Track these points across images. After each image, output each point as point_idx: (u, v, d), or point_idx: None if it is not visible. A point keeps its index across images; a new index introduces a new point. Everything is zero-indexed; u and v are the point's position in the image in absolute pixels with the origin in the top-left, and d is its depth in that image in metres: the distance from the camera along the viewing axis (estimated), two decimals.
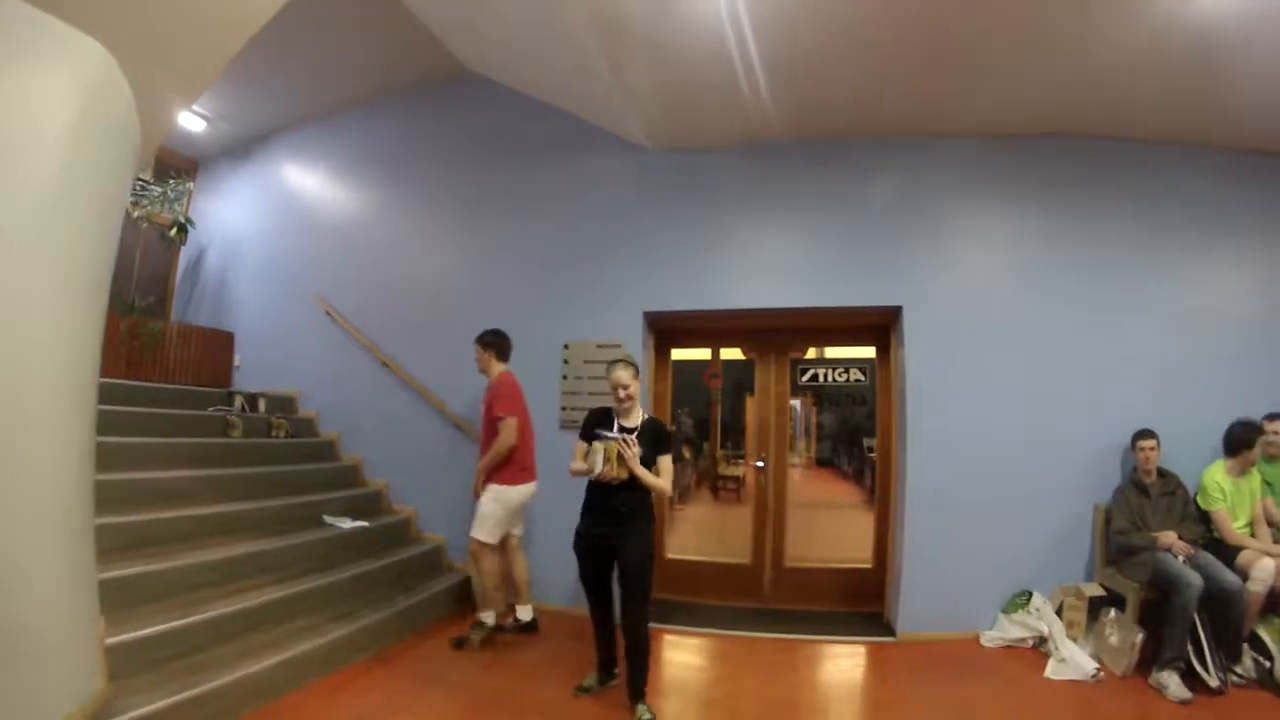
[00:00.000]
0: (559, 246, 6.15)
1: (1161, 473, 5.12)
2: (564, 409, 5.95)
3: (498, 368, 5.17)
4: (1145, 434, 5.10)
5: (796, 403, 6.62)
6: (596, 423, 4.03)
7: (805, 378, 6.27)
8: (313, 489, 5.85)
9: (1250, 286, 5.77)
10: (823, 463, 6.72)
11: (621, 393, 3.99)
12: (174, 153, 7.79)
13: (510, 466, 4.97)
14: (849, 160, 5.75)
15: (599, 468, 3.80)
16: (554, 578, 5.73)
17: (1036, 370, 5.49)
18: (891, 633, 5.40)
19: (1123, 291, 5.58)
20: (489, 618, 5.04)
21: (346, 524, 5.52)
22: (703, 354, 6.49)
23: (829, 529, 6.34)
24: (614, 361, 4.09)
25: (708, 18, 4.28)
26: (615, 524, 3.89)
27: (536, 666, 4.67)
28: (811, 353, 6.32)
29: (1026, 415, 5.45)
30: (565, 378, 5.98)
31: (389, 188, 6.89)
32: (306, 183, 7.35)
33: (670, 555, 6.16)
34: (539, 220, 6.24)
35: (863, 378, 6.23)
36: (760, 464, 6.12)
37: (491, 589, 5.04)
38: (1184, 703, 4.15)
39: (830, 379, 6.28)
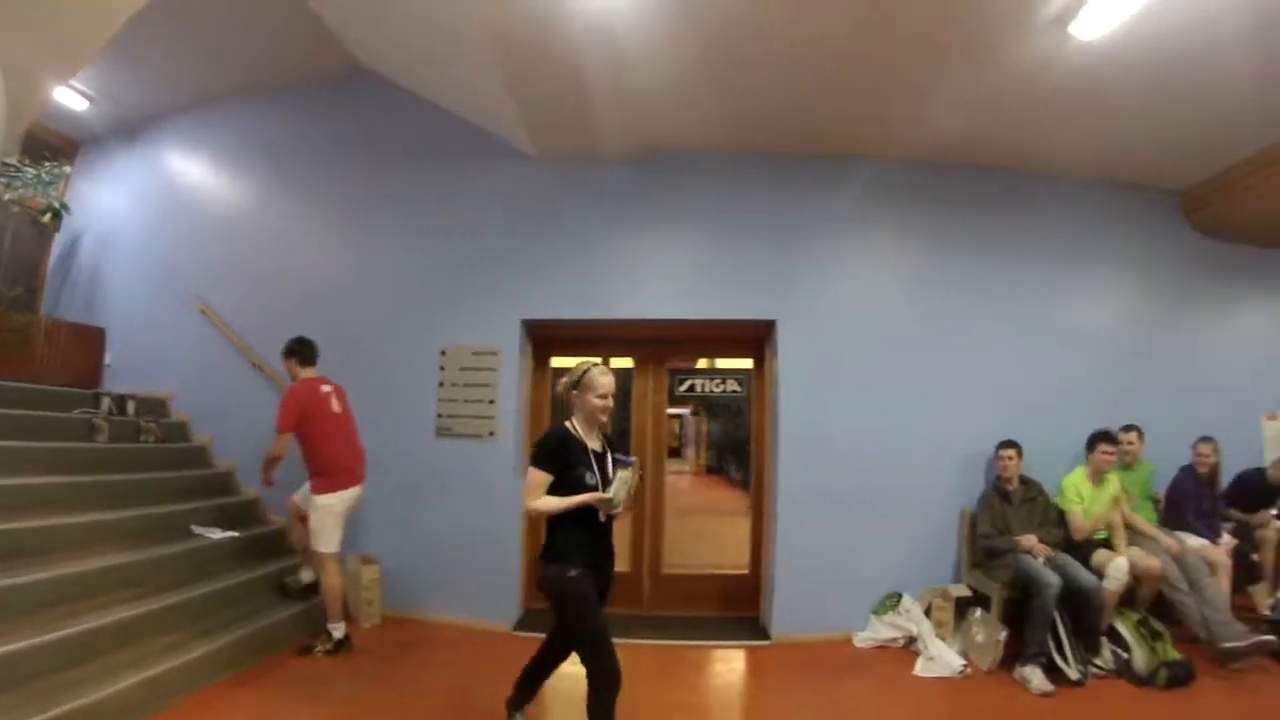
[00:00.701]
0: (441, 250, 5.98)
1: (1024, 480, 5.31)
2: (440, 415, 5.77)
3: (301, 374, 5.02)
4: (1007, 444, 5.30)
5: (686, 411, 6.66)
6: (567, 449, 3.21)
7: (683, 387, 6.26)
8: (182, 497, 5.46)
9: (1115, 309, 6.20)
10: (712, 470, 6.73)
11: (611, 402, 3.31)
12: (53, 132, 7.18)
13: (321, 477, 4.85)
14: (732, 176, 5.80)
15: (620, 505, 3.23)
16: (430, 582, 5.64)
17: (907, 384, 5.65)
18: (766, 636, 5.39)
19: (993, 311, 5.85)
20: (338, 629, 4.83)
21: (216, 534, 5.17)
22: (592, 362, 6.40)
23: (711, 535, 6.33)
24: (591, 365, 3.31)
25: (598, 29, 4.21)
26: (612, 561, 3.44)
27: (421, 678, 4.50)
28: (703, 363, 6.34)
29: (896, 426, 5.60)
30: (442, 384, 5.80)
31: (275, 182, 6.58)
32: (191, 172, 6.92)
33: None
34: (423, 223, 6.06)
35: (739, 388, 6.25)
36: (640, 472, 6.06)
37: (339, 599, 4.87)
38: (1046, 695, 4.32)
39: (707, 389, 6.30)
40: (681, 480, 6.39)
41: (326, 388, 5.03)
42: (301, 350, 5.05)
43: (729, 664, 5.05)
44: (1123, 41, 4.22)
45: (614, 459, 3.32)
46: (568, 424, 3.31)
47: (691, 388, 6.27)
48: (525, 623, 5.57)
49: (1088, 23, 4.03)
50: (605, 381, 3.27)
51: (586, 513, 3.16)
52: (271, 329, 5.85)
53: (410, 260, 6.02)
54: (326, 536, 4.79)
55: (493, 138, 5.91)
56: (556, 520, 3.19)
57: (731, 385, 6.26)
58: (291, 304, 6.12)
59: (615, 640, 5.05)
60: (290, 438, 4.80)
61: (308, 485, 4.92)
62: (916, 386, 5.65)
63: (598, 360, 3.35)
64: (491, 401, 5.68)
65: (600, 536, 3.27)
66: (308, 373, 5.02)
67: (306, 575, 5.15)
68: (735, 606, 5.81)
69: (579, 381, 3.27)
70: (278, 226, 6.45)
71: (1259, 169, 5.86)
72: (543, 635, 5.23)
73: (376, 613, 5.48)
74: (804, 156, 5.78)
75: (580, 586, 3.14)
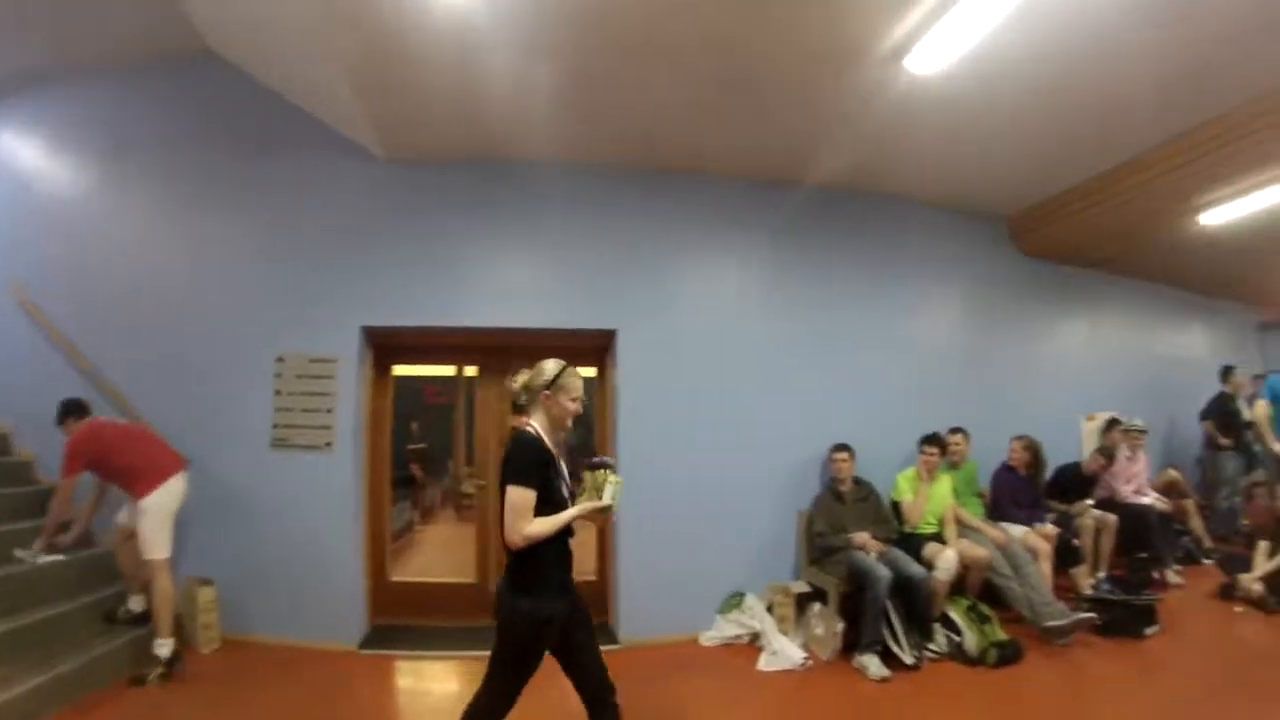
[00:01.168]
0: (281, 251, 5.60)
1: (857, 481, 5.54)
2: (276, 426, 5.39)
3: (79, 427, 4.79)
4: (840, 447, 5.52)
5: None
6: (545, 460, 2.82)
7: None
8: (2, 518, 4.91)
9: (947, 321, 6.63)
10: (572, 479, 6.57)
11: (582, 407, 3.05)
12: None
13: (141, 482, 4.61)
14: (578, 186, 5.73)
15: (615, 512, 2.91)
16: (270, 602, 5.25)
17: (745, 391, 5.74)
18: (615, 640, 5.32)
19: (830, 322, 6.09)
20: (166, 647, 4.47)
21: (41, 559, 4.68)
22: (446, 370, 6.24)
23: None
24: (565, 365, 3.02)
25: (451, 32, 4.06)
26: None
27: (266, 703, 4.22)
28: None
29: (736, 432, 5.69)
30: (279, 392, 5.42)
31: (109, 170, 5.87)
32: (20, 154, 6.04)
33: (396, 578, 5.83)
34: (263, 222, 5.66)
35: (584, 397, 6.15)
36: (481, 483, 5.92)
37: (172, 610, 4.55)
38: (883, 680, 4.49)
39: None
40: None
41: (102, 419, 4.87)
42: (75, 410, 4.85)
43: None
44: (954, 78, 4.46)
45: (590, 463, 2.98)
46: (530, 429, 2.89)
47: None
48: (372, 640, 5.34)
49: (922, 58, 4.21)
50: (579, 384, 3.01)
51: (563, 531, 2.82)
52: (101, 329, 5.47)
53: (248, 260, 5.62)
54: (159, 540, 4.54)
55: (339, 136, 5.63)
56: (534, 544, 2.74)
57: None
58: (123, 304, 5.60)
59: (460, 653, 4.98)
60: (76, 481, 4.60)
61: (128, 504, 4.67)
62: (755, 394, 5.76)
63: (564, 361, 3.04)
64: (329, 411, 5.38)
65: (570, 555, 2.94)
66: (81, 425, 4.78)
67: (136, 604, 4.80)
68: None
69: (554, 382, 2.94)
70: (111, 218, 5.83)
71: (1076, 201, 6.45)
72: (391, 651, 5.11)
73: (216, 636, 5.08)
74: (652, 170, 5.81)
75: (545, 637, 2.79)
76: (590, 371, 6.13)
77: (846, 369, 6.05)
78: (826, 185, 6.19)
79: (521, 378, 3.02)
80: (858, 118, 5.02)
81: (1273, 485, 6.70)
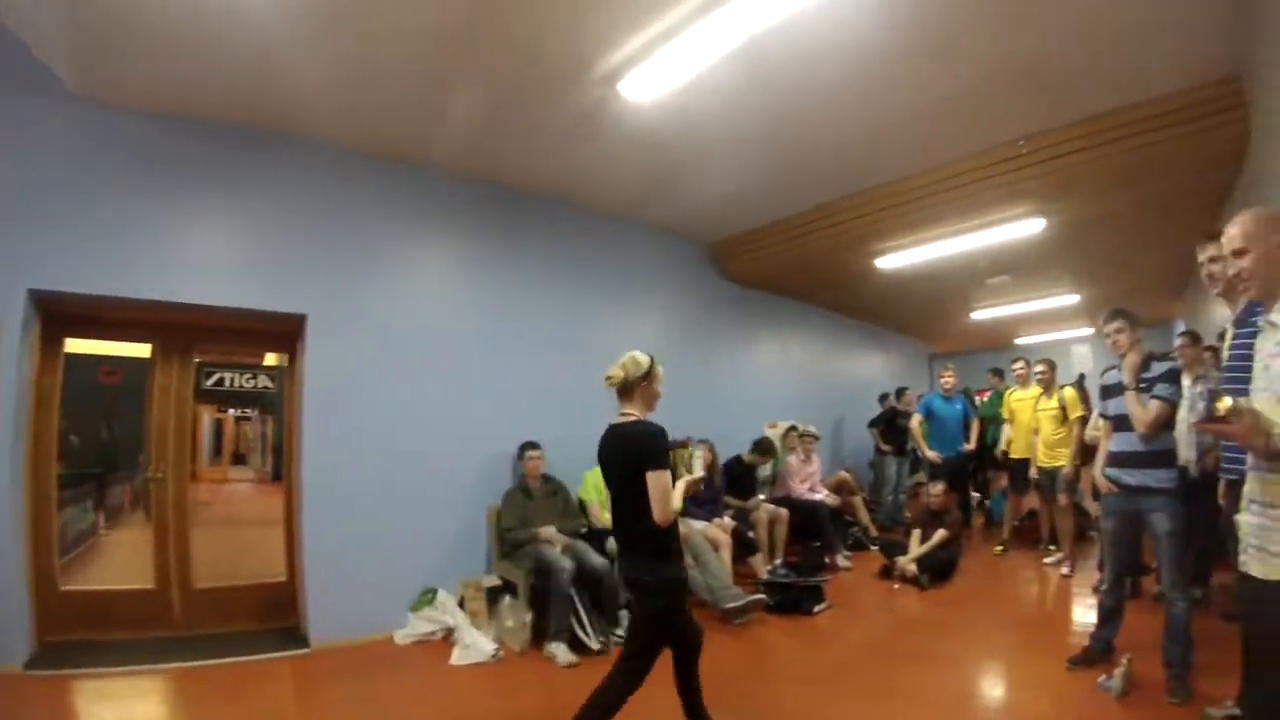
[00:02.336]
0: None
1: (547, 478, 5.76)
2: None
3: None
4: (530, 445, 5.74)
5: (254, 413, 6.15)
6: None
7: (210, 381, 5.60)
8: None
9: (649, 332, 7.14)
10: (279, 477, 6.03)
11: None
12: None
13: None
14: (282, 159, 5.27)
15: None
16: None
17: (441, 385, 5.73)
18: (306, 644, 5.04)
19: (529, 326, 6.30)
20: None
21: None
22: (141, 350, 5.37)
23: (259, 544, 5.75)
24: (653, 357, 3.28)
25: None
26: None
27: None
28: (271, 359, 5.86)
29: (429, 427, 5.65)
30: None
31: None
32: None
33: (68, 587, 5.01)
34: None
35: (271, 384, 5.83)
36: (158, 475, 5.26)
37: None
38: (571, 665, 4.65)
39: (237, 384, 5.73)
40: (241, 489, 5.89)
41: None
42: None
43: (268, 677, 4.64)
44: (665, 111, 4.75)
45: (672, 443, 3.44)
46: (633, 416, 3.22)
47: (220, 381, 5.65)
48: (41, 660, 4.49)
49: (634, 85, 4.42)
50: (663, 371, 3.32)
51: None
52: None
53: None
54: None
55: (20, 55, 4.48)
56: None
57: (264, 380, 5.82)
58: None
59: (142, 667, 4.57)
60: None
61: None
62: (450, 389, 5.76)
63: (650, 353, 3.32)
64: None
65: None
66: None
67: None
68: (276, 616, 5.37)
69: (650, 371, 3.24)
70: None
71: (769, 236, 7.23)
72: (63, 671, 4.51)
73: None
74: (361, 154, 5.54)
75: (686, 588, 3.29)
76: (281, 359, 5.82)
77: (544, 370, 6.26)
78: (540, 192, 6.40)
79: (619, 372, 3.24)
80: (572, 131, 5.21)
81: (927, 484, 7.52)
